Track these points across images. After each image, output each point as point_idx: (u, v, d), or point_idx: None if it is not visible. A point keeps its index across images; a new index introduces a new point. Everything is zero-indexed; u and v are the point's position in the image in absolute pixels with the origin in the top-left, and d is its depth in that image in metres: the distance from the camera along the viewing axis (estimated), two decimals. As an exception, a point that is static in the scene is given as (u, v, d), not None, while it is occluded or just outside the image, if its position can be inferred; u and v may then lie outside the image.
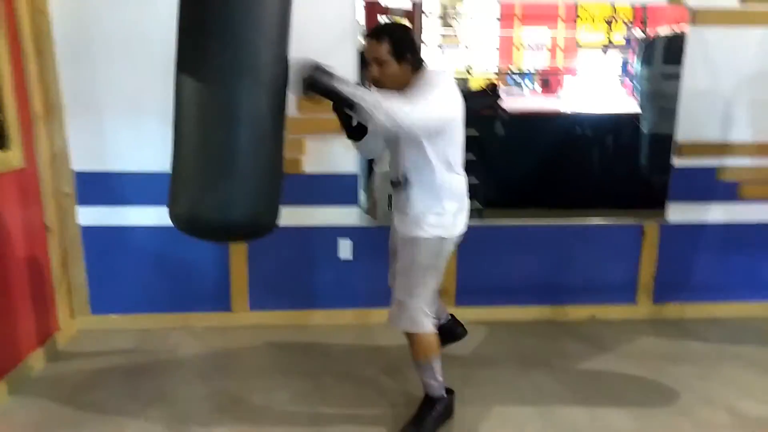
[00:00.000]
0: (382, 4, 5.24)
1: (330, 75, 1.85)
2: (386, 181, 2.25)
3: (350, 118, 2.10)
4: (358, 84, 1.97)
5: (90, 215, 2.94)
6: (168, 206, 1.81)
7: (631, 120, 4.58)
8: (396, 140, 2.07)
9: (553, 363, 2.78)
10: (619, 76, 7.92)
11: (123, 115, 2.83)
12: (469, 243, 3.09)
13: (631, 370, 2.72)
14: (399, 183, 2.11)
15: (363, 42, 2.09)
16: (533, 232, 3.23)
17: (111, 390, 2.51)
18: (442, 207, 2.08)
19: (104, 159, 2.88)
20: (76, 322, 3.03)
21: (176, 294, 3.08)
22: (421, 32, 6.55)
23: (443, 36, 10.62)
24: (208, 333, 3.04)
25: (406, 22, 6.15)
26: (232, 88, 1.68)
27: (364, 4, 4.37)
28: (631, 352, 2.90)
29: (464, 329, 2.63)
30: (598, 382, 2.63)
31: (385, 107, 1.82)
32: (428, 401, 2.25)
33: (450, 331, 2.59)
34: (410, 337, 2.17)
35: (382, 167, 3.36)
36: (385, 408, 2.39)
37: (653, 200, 3.30)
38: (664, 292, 3.27)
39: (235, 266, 3.06)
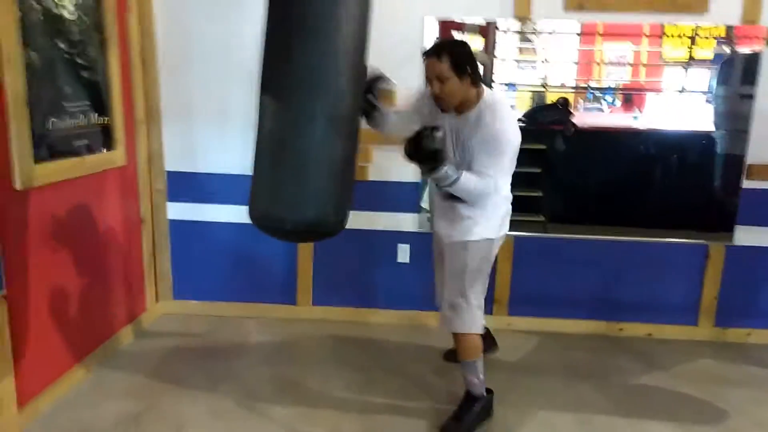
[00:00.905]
0: (457, 21, 5.38)
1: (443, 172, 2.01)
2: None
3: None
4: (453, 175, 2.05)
5: (178, 210, 3.29)
6: (248, 205, 1.96)
7: (707, 139, 4.45)
8: (457, 159, 2.17)
9: (600, 376, 2.81)
10: (705, 93, 7.61)
11: (210, 121, 3.16)
12: (526, 253, 3.20)
13: (683, 388, 2.70)
14: (453, 196, 2.17)
15: (424, 60, 2.13)
16: (593, 246, 3.26)
17: (187, 366, 2.81)
18: (493, 212, 2.20)
19: (193, 160, 3.22)
20: (160, 306, 3.38)
21: (248, 286, 3.37)
22: (494, 48, 6.64)
23: (520, 51, 10.61)
24: (275, 323, 3.30)
25: (480, 38, 6.27)
26: (306, 120, 1.79)
27: (438, 22, 4.53)
28: (684, 372, 2.86)
29: (496, 345, 2.80)
30: (645, 397, 2.63)
31: (480, 191, 2.07)
32: (469, 399, 2.37)
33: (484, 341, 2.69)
34: (459, 337, 2.29)
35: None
36: (429, 403, 2.53)
37: (722, 222, 3.23)
38: (727, 315, 3.18)
39: (302, 264, 3.31)
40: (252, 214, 1.93)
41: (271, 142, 1.88)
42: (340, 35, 1.78)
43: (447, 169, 2.01)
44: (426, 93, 2.24)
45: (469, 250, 2.21)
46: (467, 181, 2.05)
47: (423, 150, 1.97)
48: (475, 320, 2.26)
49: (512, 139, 2.09)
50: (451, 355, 2.74)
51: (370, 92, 2.21)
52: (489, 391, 2.42)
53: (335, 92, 1.80)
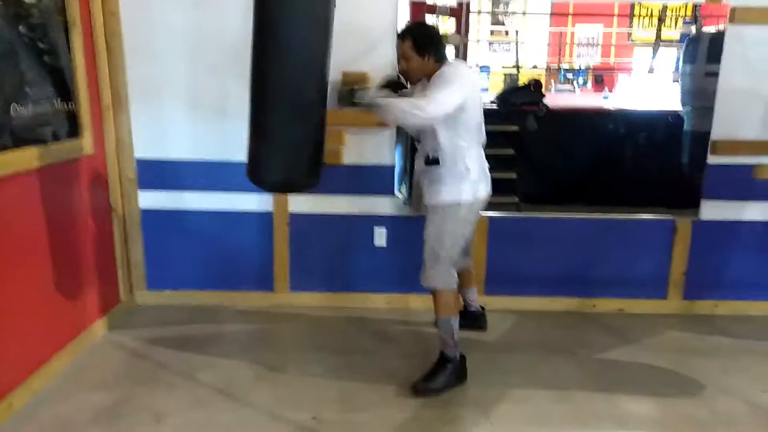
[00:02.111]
0: (429, 3, 5.36)
1: (366, 93, 2.30)
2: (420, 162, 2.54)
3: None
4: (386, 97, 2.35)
5: (149, 199, 3.23)
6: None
7: (674, 117, 4.55)
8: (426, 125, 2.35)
9: (576, 352, 2.87)
10: (673, 73, 7.76)
11: (180, 107, 3.10)
12: (500, 233, 3.24)
13: (655, 361, 2.78)
14: (430, 160, 2.41)
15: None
16: (565, 225, 3.31)
17: (164, 356, 2.77)
18: (464, 178, 2.38)
19: (163, 147, 3.15)
20: (135, 296, 3.33)
21: (224, 274, 3.33)
22: (467, 30, 6.64)
23: (492, 32, 10.63)
24: (252, 311, 3.28)
25: (452, 20, 6.26)
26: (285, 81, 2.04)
27: (410, 3, 4.50)
28: (656, 345, 2.95)
29: (486, 325, 2.98)
30: (620, 371, 2.70)
31: (406, 110, 2.20)
32: (442, 360, 2.48)
33: (475, 318, 2.94)
34: (435, 295, 2.46)
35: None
36: (408, 383, 2.53)
37: (690, 198, 3.31)
38: (695, 288, 3.28)
39: (278, 250, 3.29)
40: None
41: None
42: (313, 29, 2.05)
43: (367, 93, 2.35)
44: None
45: (438, 213, 2.41)
46: (396, 101, 2.28)
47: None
48: (447, 278, 2.44)
49: (455, 72, 2.30)
50: None
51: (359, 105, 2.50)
52: (462, 357, 2.53)
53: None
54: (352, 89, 2.54)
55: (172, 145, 3.16)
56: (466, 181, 2.38)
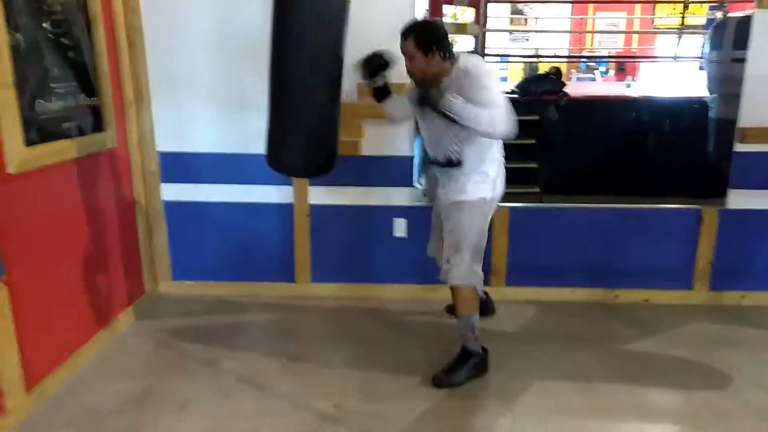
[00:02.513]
0: (446, -6, 5.31)
1: (440, 93, 2.16)
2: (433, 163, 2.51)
3: (381, 87, 2.42)
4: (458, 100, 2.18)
5: (172, 191, 3.27)
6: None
7: (700, 105, 4.45)
8: (445, 126, 2.29)
9: (598, 343, 2.84)
10: (698, 59, 7.59)
11: (201, 100, 3.12)
12: (522, 224, 3.22)
13: (681, 352, 2.74)
14: (452, 162, 2.36)
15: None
16: (588, 215, 3.27)
17: (187, 346, 2.82)
18: (486, 173, 2.37)
19: (185, 140, 3.19)
20: (159, 287, 3.39)
21: (246, 265, 3.37)
22: (485, 20, 6.56)
23: (511, 21, 10.49)
24: (273, 301, 3.30)
25: (471, 10, 6.19)
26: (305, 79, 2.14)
27: (427, -5, 4.45)
28: (681, 336, 2.90)
29: (494, 308, 2.96)
30: (644, 362, 2.67)
31: (483, 122, 2.14)
32: (464, 354, 2.49)
33: (482, 305, 2.79)
34: (457, 291, 2.45)
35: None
36: (431, 374, 2.54)
37: (716, 187, 3.24)
38: (721, 279, 3.22)
39: (299, 241, 3.31)
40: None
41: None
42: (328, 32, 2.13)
43: (449, 96, 2.15)
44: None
45: (463, 209, 2.37)
46: (469, 107, 2.14)
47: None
48: (469, 274, 2.41)
49: (487, 73, 2.25)
50: (452, 310, 2.86)
51: (375, 74, 2.37)
52: (484, 350, 2.53)
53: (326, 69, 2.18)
54: (371, 59, 2.35)
55: (193, 138, 3.19)
56: (489, 177, 2.38)
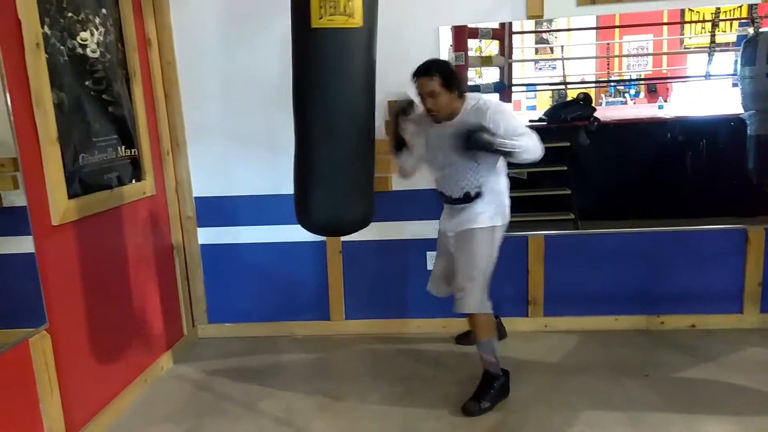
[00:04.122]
0: (470, 27, 5.38)
1: (487, 131, 2.23)
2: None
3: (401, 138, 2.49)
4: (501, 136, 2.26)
5: (208, 235, 3.35)
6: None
7: (736, 122, 4.33)
8: (464, 163, 2.36)
9: (646, 371, 2.73)
10: (730, 76, 7.43)
11: (234, 146, 3.22)
12: (558, 252, 3.16)
13: (735, 379, 2.61)
14: (470, 197, 2.43)
15: (414, 81, 2.36)
16: (626, 240, 3.19)
17: (226, 388, 2.83)
18: (503, 202, 2.47)
19: (219, 185, 3.28)
20: (197, 330, 3.43)
21: (281, 305, 3.39)
22: (511, 51, 6.61)
23: (537, 51, 10.54)
24: (309, 340, 3.31)
25: (495, 42, 6.25)
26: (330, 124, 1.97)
27: (451, 28, 4.54)
28: (735, 362, 2.77)
29: (505, 331, 2.99)
30: (697, 391, 2.55)
31: (531, 149, 2.27)
32: (487, 378, 2.50)
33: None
34: (474, 319, 2.49)
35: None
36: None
37: (760, 205, 3.13)
38: (774, 300, 3.07)
39: (333, 279, 3.32)
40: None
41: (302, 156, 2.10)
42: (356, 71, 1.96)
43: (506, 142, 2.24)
44: (414, 118, 2.47)
45: (474, 238, 2.43)
46: (515, 140, 2.25)
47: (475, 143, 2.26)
48: (483, 301, 2.45)
49: (499, 104, 2.41)
50: (462, 339, 3.09)
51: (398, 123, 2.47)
52: (505, 372, 2.56)
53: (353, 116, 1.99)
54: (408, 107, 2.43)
55: (227, 183, 3.28)
56: (502, 205, 2.46)
